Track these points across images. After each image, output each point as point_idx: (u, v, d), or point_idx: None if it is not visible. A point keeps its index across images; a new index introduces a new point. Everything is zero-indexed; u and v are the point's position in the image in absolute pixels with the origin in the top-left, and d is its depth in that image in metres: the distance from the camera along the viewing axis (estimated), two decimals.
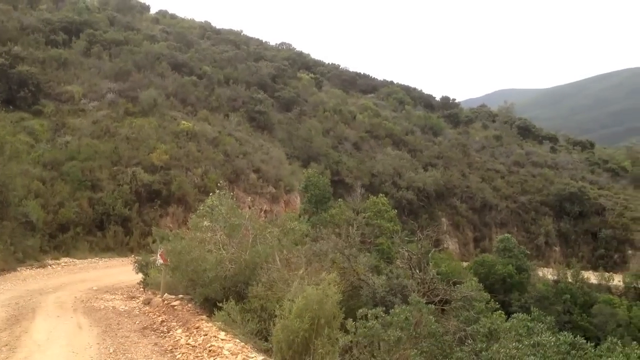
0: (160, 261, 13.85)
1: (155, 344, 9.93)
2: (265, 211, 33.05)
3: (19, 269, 18.51)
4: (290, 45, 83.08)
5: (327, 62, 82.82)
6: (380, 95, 73.90)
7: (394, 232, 20.70)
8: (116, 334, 10.62)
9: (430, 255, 16.14)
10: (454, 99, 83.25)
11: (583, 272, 33.98)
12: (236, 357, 8.36)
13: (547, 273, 34.09)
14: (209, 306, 11.53)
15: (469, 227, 49.81)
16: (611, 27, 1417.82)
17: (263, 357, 8.49)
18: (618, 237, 50.38)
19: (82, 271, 19.86)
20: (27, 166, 24.67)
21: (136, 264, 16.69)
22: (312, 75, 67.57)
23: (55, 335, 10.39)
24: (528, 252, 33.51)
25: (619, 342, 9.14)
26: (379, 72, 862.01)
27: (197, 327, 10.30)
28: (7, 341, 9.75)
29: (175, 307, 12.31)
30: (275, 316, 8.82)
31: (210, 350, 8.80)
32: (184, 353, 9.06)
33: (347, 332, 8.89)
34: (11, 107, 30.90)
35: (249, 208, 23.29)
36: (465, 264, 32.26)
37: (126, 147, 30.05)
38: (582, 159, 69.75)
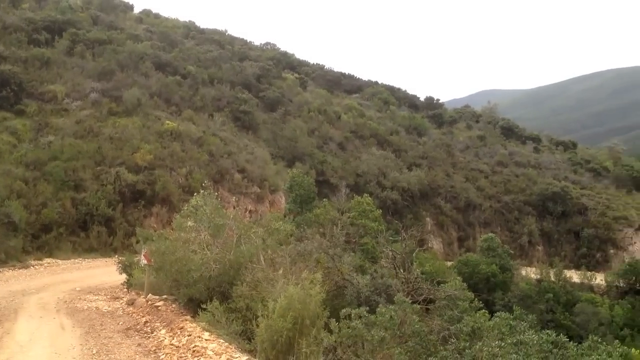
0: (144, 262, 13.82)
1: (139, 344, 9.91)
2: (250, 211, 32.96)
3: (1, 269, 18.40)
4: (274, 45, 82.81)
5: (311, 62, 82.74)
6: (364, 95, 73.96)
7: (378, 232, 20.71)
8: (99, 335, 10.58)
9: (414, 254, 16.27)
10: (438, 100, 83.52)
11: (566, 271, 34.33)
12: (220, 357, 8.36)
13: (530, 272, 34.32)
14: (193, 306, 11.51)
15: (453, 226, 49.98)
16: (593, 28, 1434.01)
17: (247, 357, 8.49)
18: (600, 237, 50.78)
19: (65, 272, 19.74)
20: (9, 166, 24.51)
21: (120, 265, 16.61)
22: (296, 75, 67.42)
23: (37, 336, 10.34)
24: (511, 251, 33.81)
25: (600, 340, 9.22)
26: (364, 72, 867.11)
27: (181, 328, 10.28)
28: None
29: (159, 308, 12.27)
30: (260, 316, 8.83)
31: (194, 351, 8.80)
32: (167, 354, 9.04)
33: (331, 332, 8.90)
34: None
35: (234, 208, 23.17)
36: (449, 263, 32.40)
37: (110, 147, 29.83)
38: (564, 159, 70.20)
